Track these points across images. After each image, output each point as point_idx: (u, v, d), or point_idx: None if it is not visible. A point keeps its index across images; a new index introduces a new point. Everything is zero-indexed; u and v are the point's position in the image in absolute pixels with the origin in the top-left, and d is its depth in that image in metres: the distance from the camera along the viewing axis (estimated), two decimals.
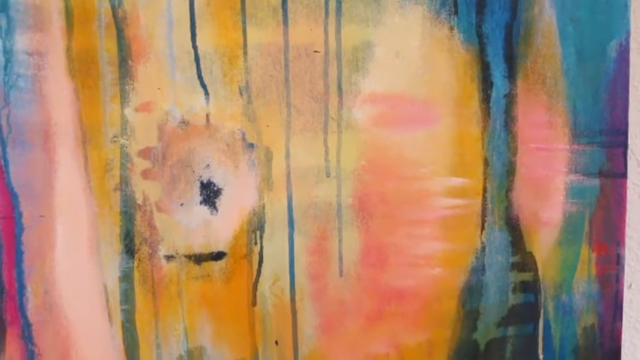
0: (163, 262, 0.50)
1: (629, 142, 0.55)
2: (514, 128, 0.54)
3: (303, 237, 0.52)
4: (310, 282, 0.53)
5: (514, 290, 0.56)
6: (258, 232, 0.51)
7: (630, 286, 0.59)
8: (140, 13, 0.48)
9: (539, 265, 0.56)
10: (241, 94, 0.50)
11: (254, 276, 0.52)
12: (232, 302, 0.52)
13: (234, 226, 0.51)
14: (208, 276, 0.51)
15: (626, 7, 0.53)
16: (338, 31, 0.50)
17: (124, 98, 0.49)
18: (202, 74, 0.49)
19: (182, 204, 0.50)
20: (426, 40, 0.51)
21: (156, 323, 0.51)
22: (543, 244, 0.55)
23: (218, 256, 0.51)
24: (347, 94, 0.51)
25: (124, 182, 0.49)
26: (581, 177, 0.55)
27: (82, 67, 0.48)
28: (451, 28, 0.51)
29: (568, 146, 0.54)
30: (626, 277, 0.58)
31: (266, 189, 0.51)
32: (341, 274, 0.53)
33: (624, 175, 0.55)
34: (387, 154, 0.52)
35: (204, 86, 0.49)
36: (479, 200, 0.54)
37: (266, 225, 0.51)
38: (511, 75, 0.52)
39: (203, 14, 0.49)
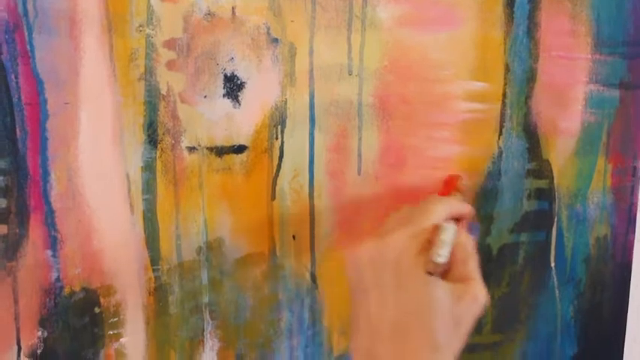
0: (185, 153, 0.51)
1: None
2: (537, 35, 0.54)
3: (324, 134, 0.53)
4: (329, 179, 0.53)
5: (529, 197, 0.56)
6: (279, 127, 0.52)
7: None
8: None
9: (555, 174, 0.56)
10: None
11: (274, 170, 0.53)
12: (252, 196, 0.53)
13: (256, 120, 0.52)
14: (229, 169, 0.52)
15: None
16: None
17: None
18: None
19: (205, 96, 0.51)
20: None
21: (176, 214, 0.52)
22: (560, 152, 0.56)
23: (239, 149, 0.52)
24: None
25: (149, 72, 0.50)
26: (601, 87, 0.55)
27: None
28: None
29: (590, 56, 0.55)
30: None
31: (289, 84, 0.51)
32: (359, 172, 0.54)
33: None
34: (410, 54, 0.53)
35: None
36: (498, 105, 0.54)
37: (287, 120, 0.52)
38: None
39: None
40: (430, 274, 0.42)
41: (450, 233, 0.43)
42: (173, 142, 0.51)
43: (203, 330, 0.54)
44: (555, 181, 0.56)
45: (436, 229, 0.43)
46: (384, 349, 0.41)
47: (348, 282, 0.45)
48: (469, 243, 0.44)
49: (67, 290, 0.52)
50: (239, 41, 0.50)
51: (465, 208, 0.47)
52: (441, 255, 0.42)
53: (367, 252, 0.44)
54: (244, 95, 0.51)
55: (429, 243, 0.43)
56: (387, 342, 0.42)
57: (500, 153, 0.55)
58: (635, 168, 0.56)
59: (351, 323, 0.44)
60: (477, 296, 0.42)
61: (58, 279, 0.51)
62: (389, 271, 0.43)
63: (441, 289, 0.42)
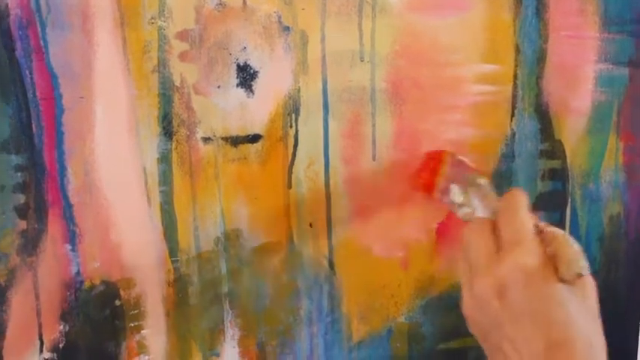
0: (201, 144, 0.51)
1: None
2: (545, 15, 0.54)
3: (338, 121, 0.53)
4: (344, 166, 0.54)
5: (542, 177, 0.57)
6: (293, 115, 0.52)
7: None
8: None
9: (568, 153, 0.57)
10: None
11: (289, 159, 0.53)
12: (268, 185, 0.53)
13: (270, 109, 0.52)
14: (245, 158, 0.52)
15: None
16: None
17: None
18: None
19: (219, 86, 0.51)
20: None
21: (193, 205, 0.52)
22: (572, 132, 0.56)
23: (254, 138, 0.52)
24: None
25: (162, 64, 0.50)
26: (611, 66, 0.56)
27: None
28: None
29: (598, 34, 0.55)
30: None
31: (301, 72, 0.52)
32: (374, 158, 0.54)
33: None
34: (420, 39, 0.53)
35: None
36: (509, 87, 0.55)
37: (301, 108, 0.52)
38: None
39: None
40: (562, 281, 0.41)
41: (573, 240, 0.42)
42: (188, 133, 0.51)
43: (223, 319, 0.55)
44: (568, 160, 0.57)
45: (548, 240, 0.42)
46: None
47: (475, 332, 0.43)
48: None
49: (87, 284, 0.52)
50: (251, 30, 0.51)
51: (525, 195, 0.45)
52: (584, 266, 0.41)
53: (487, 287, 0.41)
54: (257, 84, 0.51)
55: (544, 252, 0.41)
56: None
57: (513, 134, 0.55)
58: None
59: None
60: (593, 284, 0.41)
61: (78, 273, 0.52)
62: (521, 295, 0.40)
63: (573, 295, 0.40)
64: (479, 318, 0.43)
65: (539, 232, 0.42)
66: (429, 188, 0.49)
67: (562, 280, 0.40)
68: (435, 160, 0.50)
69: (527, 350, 0.40)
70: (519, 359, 0.40)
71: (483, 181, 0.48)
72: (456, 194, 0.47)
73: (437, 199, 0.49)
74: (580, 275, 0.40)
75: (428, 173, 0.50)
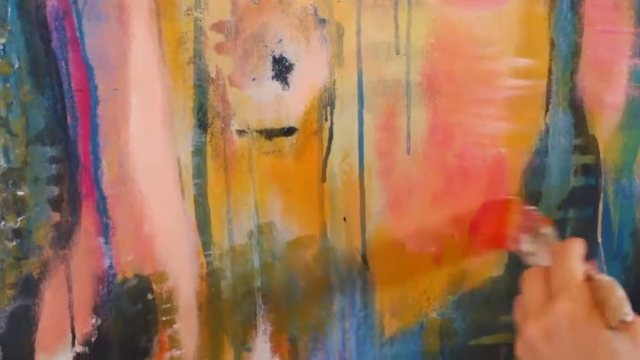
0: (235, 136, 0.51)
1: None
2: (580, 9, 0.54)
3: (372, 114, 0.53)
4: (378, 159, 0.53)
5: (575, 173, 0.56)
6: (328, 107, 0.52)
7: None
8: None
9: (601, 149, 0.56)
10: None
11: (324, 152, 0.53)
12: (302, 178, 0.53)
13: (305, 102, 0.52)
14: (279, 151, 0.52)
15: None
16: None
17: None
18: None
19: (254, 79, 0.51)
20: None
21: (227, 198, 0.52)
22: (605, 127, 0.56)
23: (289, 131, 0.52)
24: None
25: (198, 56, 0.50)
26: None
27: None
28: None
29: (633, 29, 0.55)
30: None
31: (337, 65, 0.51)
32: (408, 151, 0.54)
33: None
34: (456, 32, 0.53)
35: None
36: (544, 82, 0.55)
37: (336, 101, 0.52)
38: None
39: None
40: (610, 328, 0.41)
41: (619, 287, 0.42)
42: (223, 125, 0.51)
43: (255, 314, 0.54)
44: (601, 155, 0.56)
45: (597, 287, 0.42)
46: None
47: None
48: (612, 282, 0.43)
49: (119, 277, 0.52)
50: (287, 23, 0.50)
51: (581, 244, 0.46)
52: (628, 313, 0.41)
53: (536, 331, 0.43)
54: (293, 77, 0.51)
55: (592, 298, 0.42)
56: None
57: (547, 129, 0.55)
58: None
59: None
60: None
61: (110, 266, 0.51)
62: (568, 341, 0.41)
63: (623, 342, 0.40)
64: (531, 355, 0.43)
65: (589, 279, 0.43)
66: (499, 240, 0.50)
67: (610, 327, 0.40)
68: (502, 209, 0.51)
69: None
70: None
71: (549, 230, 0.49)
72: (528, 244, 0.48)
73: (508, 248, 0.50)
74: (624, 322, 0.40)
75: (496, 224, 0.51)
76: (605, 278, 0.43)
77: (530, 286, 0.45)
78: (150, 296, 0.53)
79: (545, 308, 0.43)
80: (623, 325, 0.40)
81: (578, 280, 0.43)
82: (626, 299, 0.41)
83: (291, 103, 0.52)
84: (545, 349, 0.42)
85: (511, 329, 0.56)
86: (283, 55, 0.51)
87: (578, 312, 0.41)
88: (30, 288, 0.50)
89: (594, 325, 0.41)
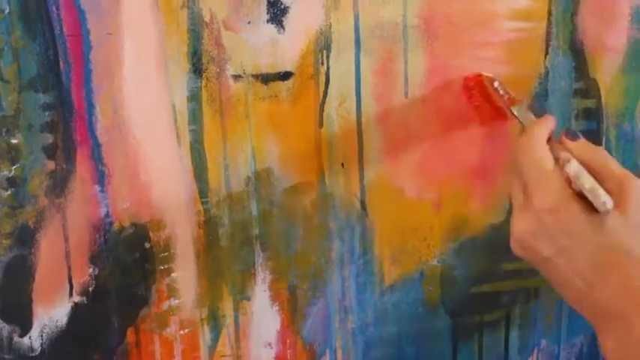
0: (231, 81, 0.50)
1: None
2: None
3: (369, 57, 0.52)
4: (376, 103, 0.53)
5: (577, 117, 0.56)
6: (324, 51, 0.51)
7: None
8: None
9: (602, 92, 0.56)
10: None
11: (321, 97, 0.52)
12: (299, 123, 0.52)
13: (301, 46, 0.51)
14: (275, 96, 0.51)
15: None
16: None
17: None
18: None
19: (249, 22, 0.50)
20: None
21: (224, 144, 0.51)
22: (607, 70, 0.55)
23: (285, 75, 0.51)
24: None
25: None
26: None
27: None
28: None
29: None
30: None
31: (333, 8, 0.51)
32: (406, 95, 0.53)
33: None
34: None
35: None
36: (544, 24, 0.54)
37: (332, 45, 0.51)
38: None
39: None
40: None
41: (584, 173, 0.41)
42: (218, 70, 0.50)
43: (254, 262, 0.54)
44: (603, 99, 0.56)
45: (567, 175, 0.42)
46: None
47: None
48: (598, 152, 0.44)
49: (116, 226, 0.51)
50: None
51: (549, 121, 0.46)
52: (606, 202, 0.40)
53: (523, 229, 0.43)
54: (288, 20, 0.50)
55: (566, 182, 0.42)
56: None
57: (547, 72, 0.54)
58: None
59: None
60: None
61: (107, 214, 0.51)
62: (557, 235, 0.41)
63: (613, 220, 0.41)
64: (524, 252, 0.44)
65: (558, 161, 0.42)
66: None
67: (594, 211, 0.41)
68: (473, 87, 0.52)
69: (570, 280, 0.42)
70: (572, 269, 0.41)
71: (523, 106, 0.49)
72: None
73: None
74: (605, 204, 0.40)
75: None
76: (572, 168, 0.42)
77: (512, 181, 0.45)
78: (147, 244, 0.52)
79: (525, 204, 0.42)
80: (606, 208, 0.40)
81: (548, 170, 0.42)
82: (596, 186, 0.41)
83: (287, 47, 0.51)
84: (539, 245, 0.42)
85: (512, 277, 0.56)
86: None
87: (556, 204, 0.41)
88: (26, 237, 0.50)
89: (577, 214, 0.41)
